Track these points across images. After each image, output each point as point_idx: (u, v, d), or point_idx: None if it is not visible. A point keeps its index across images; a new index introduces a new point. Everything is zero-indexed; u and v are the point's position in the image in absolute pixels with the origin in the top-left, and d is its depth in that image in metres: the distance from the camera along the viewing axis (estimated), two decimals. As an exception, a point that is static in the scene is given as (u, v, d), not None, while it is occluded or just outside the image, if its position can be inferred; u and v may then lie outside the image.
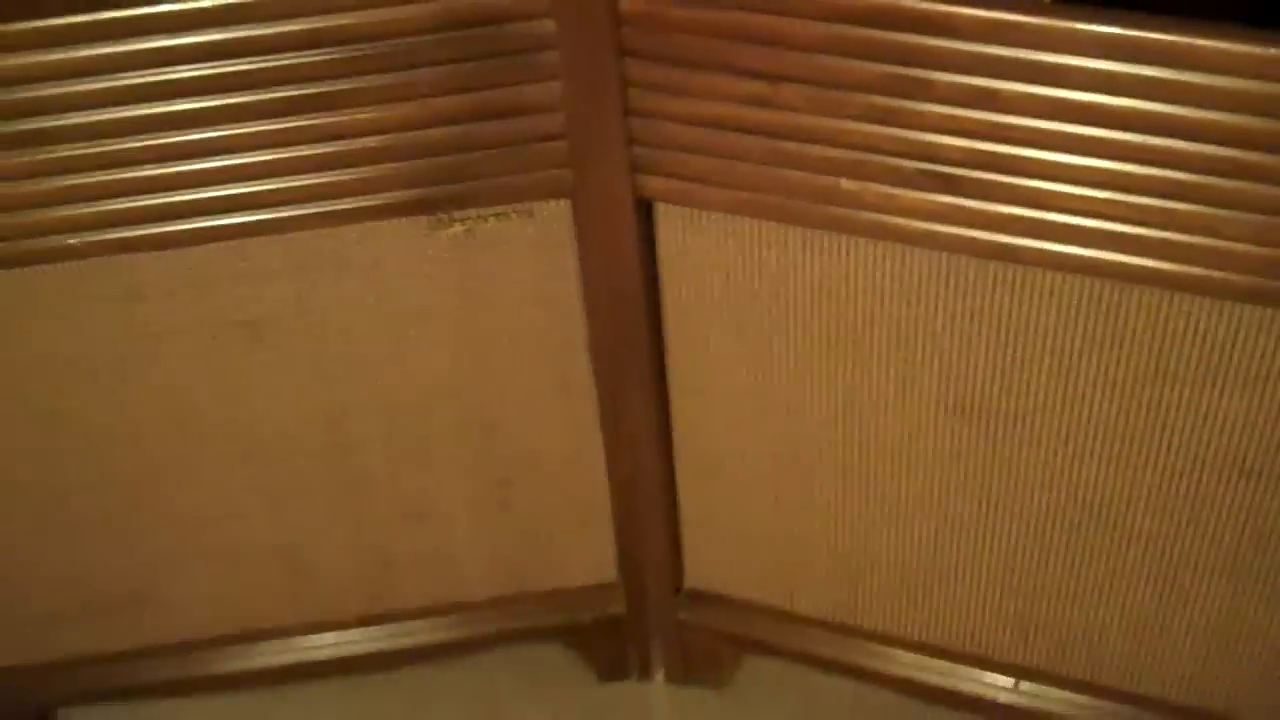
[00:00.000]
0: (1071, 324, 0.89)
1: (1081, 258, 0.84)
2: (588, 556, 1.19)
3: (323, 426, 1.06)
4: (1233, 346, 0.86)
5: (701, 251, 0.95)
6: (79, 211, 0.90)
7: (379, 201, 0.92)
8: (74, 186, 0.89)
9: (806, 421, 1.02)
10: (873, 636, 1.17)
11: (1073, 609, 1.06)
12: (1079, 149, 0.80)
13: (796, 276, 0.94)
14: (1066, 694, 1.13)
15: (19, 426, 1.03)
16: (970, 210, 0.84)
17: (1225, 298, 0.83)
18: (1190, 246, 0.81)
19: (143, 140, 0.88)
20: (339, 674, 1.24)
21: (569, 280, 0.99)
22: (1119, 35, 0.75)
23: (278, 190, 0.91)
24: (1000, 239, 0.85)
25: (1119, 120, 0.78)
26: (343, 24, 0.84)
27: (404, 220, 0.94)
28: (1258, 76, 0.73)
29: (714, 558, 1.17)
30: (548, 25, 0.85)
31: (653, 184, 0.92)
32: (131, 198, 0.90)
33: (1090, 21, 0.75)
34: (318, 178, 0.91)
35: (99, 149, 0.88)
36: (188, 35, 0.84)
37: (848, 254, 0.91)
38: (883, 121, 0.83)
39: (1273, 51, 0.72)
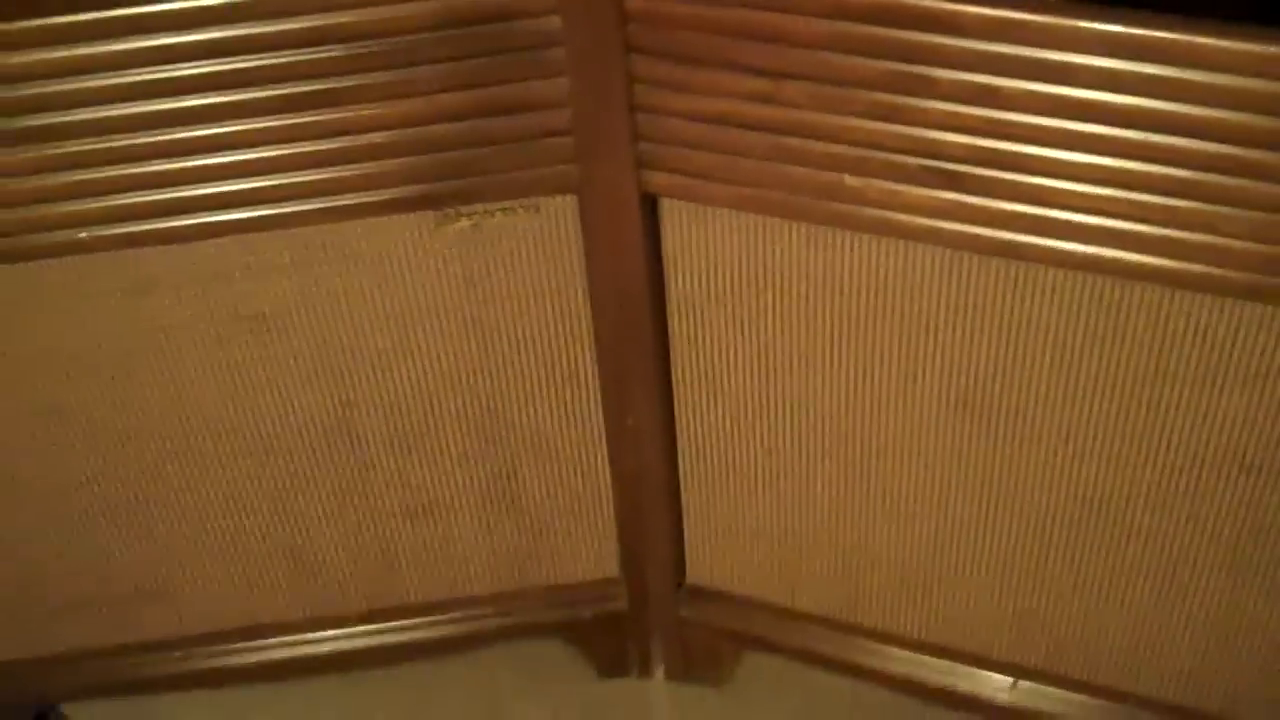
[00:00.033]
0: (1073, 320, 0.89)
1: (1083, 254, 0.84)
2: (590, 552, 1.19)
3: (327, 421, 1.06)
4: (1233, 343, 0.86)
5: (706, 247, 0.95)
6: (85, 207, 0.90)
7: (385, 197, 0.92)
8: (80, 182, 0.89)
9: (809, 417, 1.03)
10: (872, 634, 1.17)
11: (1072, 606, 1.06)
12: (1081, 146, 0.80)
13: (800, 272, 0.94)
14: (1064, 693, 1.13)
15: (23, 421, 1.03)
16: (973, 207, 0.84)
17: (1225, 294, 0.83)
18: (1191, 243, 0.81)
19: (149, 136, 0.88)
20: (340, 669, 1.24)
21: (574, 275, 0.99)
22: (1121, 33, 0.75)
23: (284, 186, 0.91)
24: (1002, 235, 0.85)
25: (1121, 117, 0.78)
26: (346, 21, 0.84)
27: (410, 215, 0.94)
28: (1258, 74, 0.74)
29: (715, 554, 1.17)
30: (554, 22, 0.85)
31: (658, 180, 0.92)
32: (138, 193, 0.90)
33: (1093, 19, 0.75)
34: (324, 173, 0.91)
35: (105, 144, 0.88)
36: (191, 33, 0.84)
37: (851, 250, 0.92)
38: (886, 118, 0.83)
39: (1273, 49, 0.73)
